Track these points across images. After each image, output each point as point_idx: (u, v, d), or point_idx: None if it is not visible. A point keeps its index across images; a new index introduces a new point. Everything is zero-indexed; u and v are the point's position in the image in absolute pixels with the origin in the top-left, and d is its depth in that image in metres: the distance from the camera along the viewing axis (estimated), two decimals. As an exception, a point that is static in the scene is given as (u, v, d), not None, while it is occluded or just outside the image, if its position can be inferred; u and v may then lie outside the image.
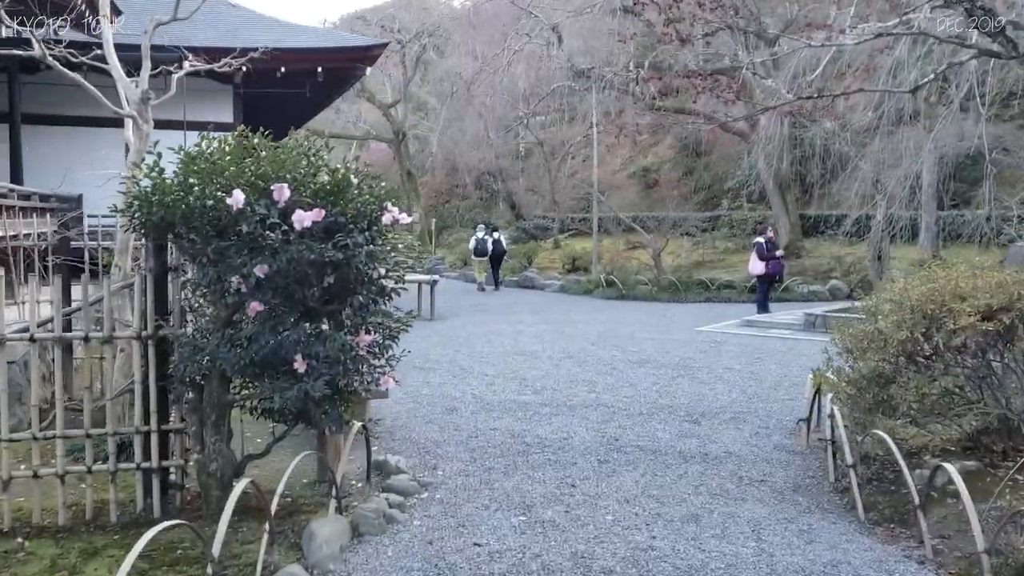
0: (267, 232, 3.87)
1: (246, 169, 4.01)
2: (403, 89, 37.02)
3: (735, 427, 6.67)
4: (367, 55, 15.18)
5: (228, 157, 4.04)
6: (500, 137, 37.41)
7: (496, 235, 21.41)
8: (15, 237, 6.78)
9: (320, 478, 5.08)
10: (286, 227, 3.89)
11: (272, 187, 3.89)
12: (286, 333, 3.99)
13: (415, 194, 35.68)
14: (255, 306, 3.94)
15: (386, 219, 4.07)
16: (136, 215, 4.13)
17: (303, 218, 3.85)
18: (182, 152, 4.09)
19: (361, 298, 4.21)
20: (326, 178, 4.12)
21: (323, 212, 3.90)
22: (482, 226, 21.95)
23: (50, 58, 6.25)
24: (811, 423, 6.15)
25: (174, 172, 4.08)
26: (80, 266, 7.87)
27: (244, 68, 15.49)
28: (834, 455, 5.27)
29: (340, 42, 14.97)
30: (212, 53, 15.43)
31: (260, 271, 3.89)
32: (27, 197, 7.85)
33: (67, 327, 4.86)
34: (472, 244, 21.10)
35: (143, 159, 4.76)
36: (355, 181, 4.13)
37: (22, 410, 5.76)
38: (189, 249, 4.16)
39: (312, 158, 4.23)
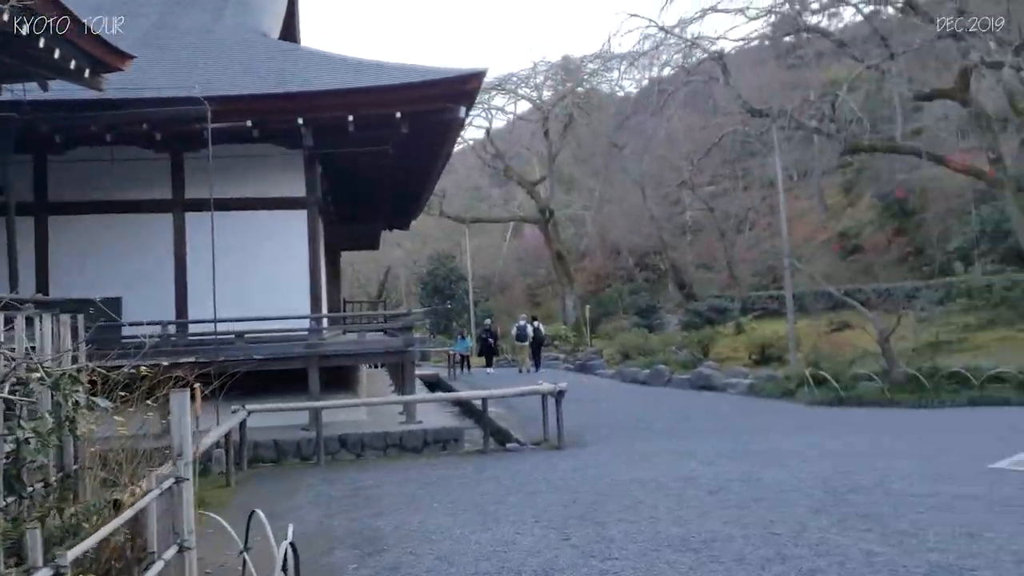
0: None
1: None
2: (548, 164, 33.46)
3: None
4: (460, 90, 11.30)
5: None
6: (663, 209, 32.73)
7: (536, 324, 24.50)
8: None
9: None
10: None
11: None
12: None
13: (567, 278, 31.42)
14: None
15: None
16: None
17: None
18: None
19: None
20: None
21: None
22: (524, 315, 26.37)
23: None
24: None
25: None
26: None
27: (305, 124, 12.17)
28: None
29: (421, 76, 11.18)
30: (262, 102, 12.21)
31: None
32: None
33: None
34: (514, 331, 24.64)
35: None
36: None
37: None
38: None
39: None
